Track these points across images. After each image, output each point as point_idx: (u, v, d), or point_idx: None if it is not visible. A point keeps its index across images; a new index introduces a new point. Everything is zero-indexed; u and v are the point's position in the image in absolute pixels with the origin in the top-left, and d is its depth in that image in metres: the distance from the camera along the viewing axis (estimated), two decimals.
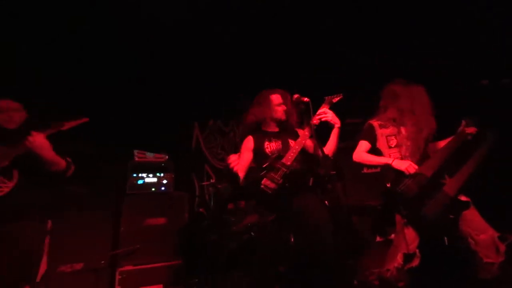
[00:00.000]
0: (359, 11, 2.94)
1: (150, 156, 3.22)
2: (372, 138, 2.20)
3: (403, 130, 2.13)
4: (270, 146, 2.15)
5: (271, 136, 2.19)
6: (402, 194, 1.98)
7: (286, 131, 2.23)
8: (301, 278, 1.91)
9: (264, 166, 2.01)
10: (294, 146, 2.00)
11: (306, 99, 2.01)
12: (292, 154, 1.95)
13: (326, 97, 2.19)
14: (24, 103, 1.91)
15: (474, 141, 2.06)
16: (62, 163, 1.83)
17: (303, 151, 2.06)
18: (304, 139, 2.01)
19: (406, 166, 2.00)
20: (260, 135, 2.22)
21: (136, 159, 3.15)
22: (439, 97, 2.12)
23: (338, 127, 2.05)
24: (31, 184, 1.75)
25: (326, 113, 2.02)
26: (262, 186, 1.91)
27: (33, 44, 2.86)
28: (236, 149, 4.26)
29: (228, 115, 4.33)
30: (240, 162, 2.19)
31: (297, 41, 3.30)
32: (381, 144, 2.18)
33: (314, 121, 1.99)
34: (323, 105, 2.13)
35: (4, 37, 2.69)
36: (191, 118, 4.16)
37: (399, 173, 2.02)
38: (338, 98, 2.20)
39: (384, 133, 2.18)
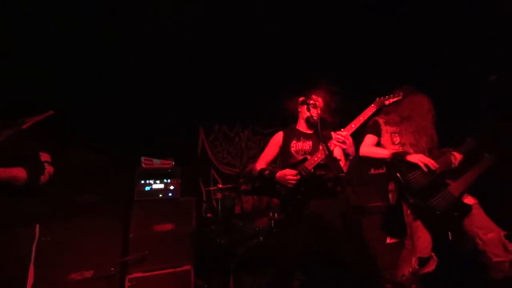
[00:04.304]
0: (367, 12, 2.94)
1: (157, 162, 3.24)
2: (378, 132, 2.22)
3: (404, 136, 2.16)
4: (296, 146, 2.11)
5: (301, 136, 2.14)
6: (411, 182, 2.01)
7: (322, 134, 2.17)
8: (314, 280, 1.90)
9: (288, 166, 2.00)
10: (320, 152, 1.94)
11: (312, 102, 2.01)
12: (316, 159, 1.92)
13: (378, 98, 2.05)
14: None
15: (474, 157, 2.17)
16: (19, 175, 1.59)
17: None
18: (333, 147, 1.90)
19: (419, 157, 2.03)
20: (291, 133, 2.19)
21: (143, 166, 3.17)
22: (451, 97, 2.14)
23: (351, 159, 1.94)
24: (8, 193, 1.60)
25: (345, 138, 1.85)
26: (277, 186, 1.92)
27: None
28: (242, 154, 4.31)
29: (233, 120, 4.36)
30: (264, 154, 2.21)
31: (306, 43, 3.30)
32: (385, 140, 2.22)
33: (331, 144, 1.86)
34: (370, 106, 1.98)
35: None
36: (197, 123, 4.19)
37: (409, 166, 2.05)
38: (394, 100, 2.06)
39: (389, 130, 2.22)
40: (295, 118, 2.28)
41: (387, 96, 2.08)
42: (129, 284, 2.64)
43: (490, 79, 2.18)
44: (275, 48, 3.33)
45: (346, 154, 1.95)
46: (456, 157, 2.10)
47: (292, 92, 2.29)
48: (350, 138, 1.89)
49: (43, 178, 1.69)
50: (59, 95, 2.92)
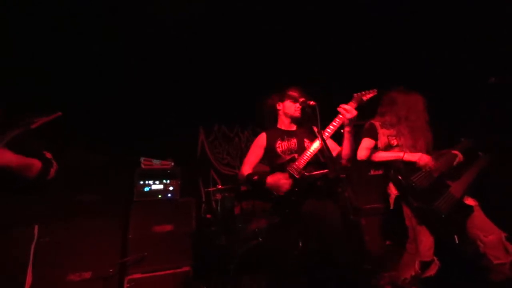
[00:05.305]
0: (367, 12, 2.94)
1: (156, 163, 3.23)
2: (375, 136, 2.20)
3: (402, 138, 2.14)
4: (282, 146, 2.07)
5: (285, 135, 2.10)
6: (414, 185, 1.99)
7: (304, 130, 2.13)
8: (314, 280, 1.89)
9: (275, 167, 1.97)
10: (308, 149, 1.91)
11: (312, 102, 1.98)
12: (305, 157, 1.89)
13: (355, 94, 1.99)
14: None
15: (470, 158, 2.17)
16: (35, 165, 1.60)
17: (319, 154, 1.97)
18: (320, 143, 1.86)
19: (418, 157, 2.02)
20: (274, 133, 2.15)
21: (143, 166, 3.17)
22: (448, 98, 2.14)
23: (348, 131, 1.85)
24: (7, 193, 1.59)
25: (348, 111, 1.77)
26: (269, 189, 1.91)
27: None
28: (242, 154, 4.30)
29: (233, 121, 4.35)
30: (248, 157, 2.15)
31: (306, 43, 3.30)
32: (382, 143, 2.19)
33: (339, 120, 1.82)
34: (349, 103, 1.95)
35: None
36: (196, 123, 4.18)
37: (410, 167, 2.04)
38: (370, 96, 1.99)
39: (385, 133, 2.19)
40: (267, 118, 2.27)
41: (363, 92, 2.01)
42: (128, 285, 2.62)
43: (491, 81, 2.16)
44: (275, 48, 3.33)
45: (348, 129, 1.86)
46: (459, 156, 2.08)
47: (269, 92, 2.29)
48: (354, 112, 1.81)
49: (53, 170, 1.70)
50: (59, 95, 2.92)
